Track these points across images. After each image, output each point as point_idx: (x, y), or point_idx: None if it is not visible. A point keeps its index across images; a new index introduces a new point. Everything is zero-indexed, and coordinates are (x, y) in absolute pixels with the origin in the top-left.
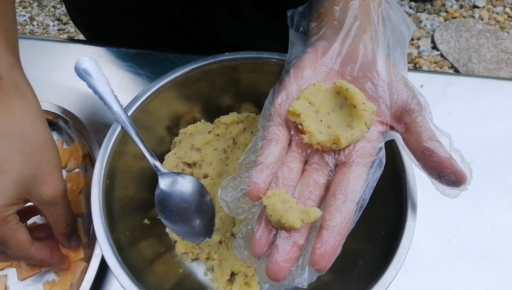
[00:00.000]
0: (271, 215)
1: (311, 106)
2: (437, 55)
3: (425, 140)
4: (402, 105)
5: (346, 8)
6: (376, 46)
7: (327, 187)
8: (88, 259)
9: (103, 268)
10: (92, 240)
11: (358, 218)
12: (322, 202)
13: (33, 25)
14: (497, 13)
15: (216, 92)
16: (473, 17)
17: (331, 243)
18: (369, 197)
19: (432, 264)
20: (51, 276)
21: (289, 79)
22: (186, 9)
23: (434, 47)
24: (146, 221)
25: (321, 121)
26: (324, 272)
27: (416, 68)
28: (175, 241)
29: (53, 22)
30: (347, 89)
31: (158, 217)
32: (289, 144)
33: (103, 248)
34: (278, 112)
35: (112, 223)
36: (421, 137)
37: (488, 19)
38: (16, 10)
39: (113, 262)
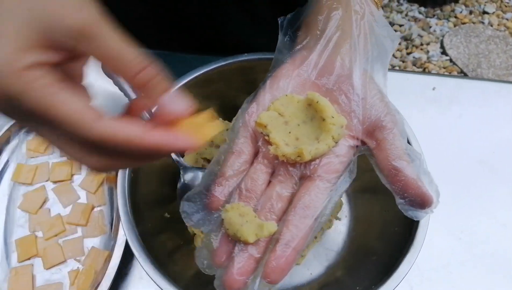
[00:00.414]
0: (227, 229)
1: (281, 117)
2: (446, 60)
3: (393, 159)
4: (375, 121)
5: (329, 18)
6: (354, 59)
7: (291, 200)
8: (112, 248)
9: (125, 259)
10: (115, 230)
11: (315, 233)
12: (284, 215)
13: None
14: (507, 19)
15: (232, 92)
16: (483, 23)
17: (284, 257)
18: (330, 213)
19: (443, 262)
20: (75, 265)
21: (263, 90)
22: (199, 9)
23: (444, 52)
24: (166, 214)
25: (290, 132)
26: (276, 285)
27: (425, 72)
28: (194, 234)
29: None
30: (317, 102)
31: (178, 211)
32: (256, 155)
33: (129, 236)
34: (247, 123)
35: (136, 214)
36: (390, 155)
37: (498, 25)
38: None
39: (138, 250)
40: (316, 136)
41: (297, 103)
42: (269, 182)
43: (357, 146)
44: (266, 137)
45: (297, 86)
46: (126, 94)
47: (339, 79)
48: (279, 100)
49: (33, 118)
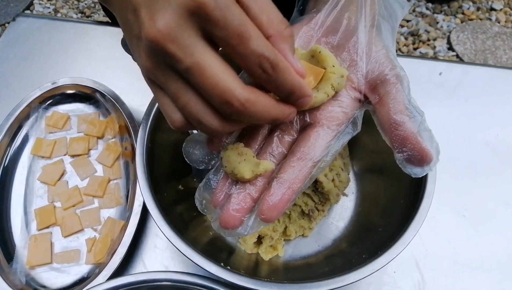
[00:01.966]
0: (225, 166)
1: None
2: (453, 56)
3: (395, 113)
4: (378, 75)
5: None
6: (360, 16)
7: (291, 147)
8: (127, 219)
9: (140, 229)
10: (130, 202)
11: (314, 177)
12: (283, 159)
13: (57, 17)
14: None
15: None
16: (490, 19)
17: (280, 195)
18: (331, 160)
19: (447, 238)
20: (92, 233)
21: None
22: None
23: (450, 48)
24: (180, 187)
25: None
26: (269, 224)
27: None
28: None
29: (76, 14)
30: (320, 52)
31: (190, 185)
32: None
33: (148, 201)
34: None
35: (153, 182)
36: (391, 109)
37: (505, 21)
38: (41, 2)
39: (156, 214)
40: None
41: (301, 56)
42: (271, 130)
43: (360, 100)
44: None
45: (303, 43)
46: None
47: (344, 36)
48: None
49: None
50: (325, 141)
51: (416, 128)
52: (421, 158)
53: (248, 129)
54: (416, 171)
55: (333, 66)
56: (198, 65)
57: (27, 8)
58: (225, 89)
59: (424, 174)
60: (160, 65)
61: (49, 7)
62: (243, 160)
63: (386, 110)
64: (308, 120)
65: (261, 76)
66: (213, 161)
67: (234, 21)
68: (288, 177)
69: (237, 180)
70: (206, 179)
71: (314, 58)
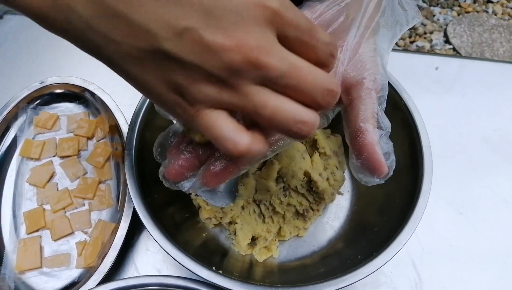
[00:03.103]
0: (183, 125)
1: None
2: (450, 49)
3: (361, 120)
4: (356, 76)
5: None
6: (357, 15)
7: None
8: (118, 221)
9: (131, 232)
10: (121, 204)
11: (267, 157)
12: None
13: None
14: (511, 8)
15: None
16: (487, 12)
17: (222, 166)
18: (286, 145)
19: (444, 235)
20: (83, 236)
21: None
22: None
23: (447, 41)
24: None
25: None
26: (207, 188)
27: None
28: (199, 207)
29: None
30: None
31: None
32: None
33: (137, 205)
34: None
35: (143, 185)
36: (359, 115)
37: (502, 14)
38: None
39: (146, 218)
40: None
41: None
42: None
43: None
44: None
45: None
46: None
47: (334, 32)
48: None
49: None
50: None
51: (376, 139)
52: (374, 169)
53: None
54: (366, 180)
55: None
56: (295, 67)
57: None
58: (325, 80)
59: (374, 184)
60: (239, 81)
61: None
62: None
63: (354, 115)
64: None
65: (332, 61)
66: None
67: (302, 18)
68: None
69: (191, 141)
70: (169, 130)
71: None
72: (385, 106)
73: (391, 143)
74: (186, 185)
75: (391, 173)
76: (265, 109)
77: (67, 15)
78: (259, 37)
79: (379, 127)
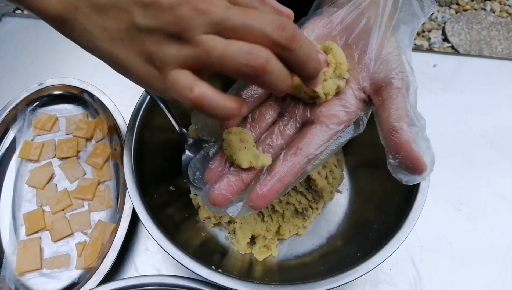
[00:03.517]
0: (225, 149)
1: None
2: (448, 47)
3: (394, 119)
4: (384, 77)
5: None
6: (377, 15)
7: (291, 140)
8: (118, 221)
9: (131, 232)
10: (120, 204)
11: (308, 173)
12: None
13: None
14: (509, 6)
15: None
16: (485, 9)
17: (269, 186)
18: (326, 158)
19: (443, 232)
20: (83, 237)
21: None
22: None
23: (445, 39)
24: (171, 187)
25: None
26: (256, 211)
27: None
28: (198, 207)
29: None
30: (331, 48)
31: (182, 185)
32: (270, 95)
33: (136, 206)
34: None
35: (143, 186)
36: (391, 114)
37: (500, 11)
38: None
39: (145, 218)
40: None
41: None
42: (275, 121)
43: (365, 100)
44: None
45: (319, 36)
46: None
47: (359, 35)
48: None
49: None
50: (321, 139)
51: (412, 136)
52: (413, 167)
53: (254, 114)
54: (407, 179)
55: (340, 64)
56: (241, 10)
57: (18, 8)
58: (274, 18)
59: (416, 183)
60: (192, 33)
61: None
62: (243, 147)
63: (386, 115)
64: (309, 115)
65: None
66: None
67: None
68: (280, 170)
69: (234, 164)
70: (205, 152)
71: (326, 53)
72: (416, 103)
73: (428, 139)
74: (232, 210)
75: (432, 169)
76: (214, 52)
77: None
78: None
79: (414, 125)
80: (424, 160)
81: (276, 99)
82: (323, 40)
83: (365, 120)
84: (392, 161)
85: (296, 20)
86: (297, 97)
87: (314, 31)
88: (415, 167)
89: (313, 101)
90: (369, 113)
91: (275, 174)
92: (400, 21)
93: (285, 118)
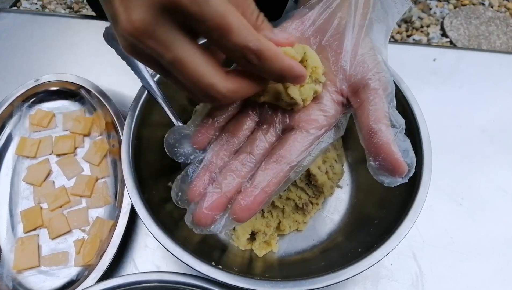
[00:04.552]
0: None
1: None
2: (447, 42)
3: (373, 120)
4: (361, 79)
5: None
6: (350, 15)
7: (272, 149)
8: (116, 218)
9: (129, 229)
10: (119, 201)
11: (291, 180)
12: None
13: (40, 12)
14: (508, 0)
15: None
16: (483, 4)
17: (253, 197)
18: (309, 164)
19: (444, 227)
20: (81, 234)
21: None
22: None
23: (444, 34)
24: (170, 184)
25: None
26: (241, 224)
27: None
28: None
29: (64, 10)
30: (305, 52)
31: None
32: (245, 104)
33: (135, 202)
34: None
35: (141, 182)
36: (370, 116)
37: (498, 6)
38: None
39: (144, 214)
40: None
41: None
42: (254, 129)
43: (343, 103)
44: None
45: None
46: (128, 63)
47: (332, 36)
48: None
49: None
50: (302, 145)
51: (391, 138)
52: (393, 169)
53: (230, 125)
54: (389, 181)
55: (316, 67)
56: (179, 60)
57: (14, 4)
58: (207, 85)
59: (396, 184)
60: (143, 56)
61: (36, 3)
62: None
63: (365, 117)
64: (288, 122)
65: (248, 66)
66: (192, 156)
67: (213, 13)
68: (262, 179)
69: (213, 180)
70: (185, 172)
71: (301, 59)
72: (395, 103)
73: (408, 140)
74: (216, 228)
75: (413, 170)
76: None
77: None
78: (150, 21)
79: (393, 126)
80: (403, 162)
81: (252, 108)
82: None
83: (345, 123)
84: (372, 163)
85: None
86: (274, 104)
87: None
88: (396, 169)
89: (291, 108)
90: (348, 115)
91: (258, 184)
92: (374, 20)
93: (265, 126)
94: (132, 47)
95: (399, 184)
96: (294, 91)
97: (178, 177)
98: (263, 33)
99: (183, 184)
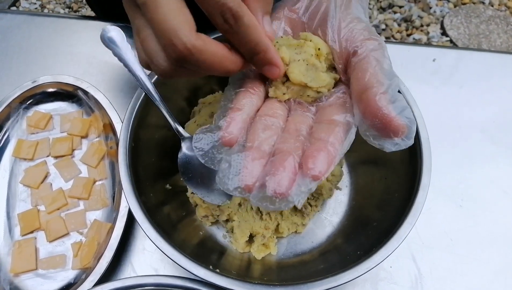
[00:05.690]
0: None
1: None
2: (447, 41)
3: (361, 84)
4: (350, 50)
5: None
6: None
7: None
8: (114, 221)
9: (127, 232)
10: (116, 203)
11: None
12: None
13: (37, 12)
14: None
15: None
16: (483, 3)
17: (324, 148)
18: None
19: (444, 229)
20: (78, 237)
21: None
22: None
23: (444, 33)
24: (168, 186)
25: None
26: (318, 183)
27: None
28: (196, 205)
29: (63, 10)
30: (310, 40)
31: (179, 183)
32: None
33: (132, 205)
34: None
35: (138, 185)
36: (359, 80)
37: (499, 5)
38: None
39: (141, 218)
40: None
41: (289, 44)
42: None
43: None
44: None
45: (288, 26)
46: (125, 64)
47: (321, 20)
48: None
49: None
50: (341, 134)
51: (381, 91)
52: (385, 126)
53: (266, 109)
54: (388, 145)
55: (328, 53)
56: (153, 1)
57: (13, 4)
58: (171, 29)
59: (399, 149)
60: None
61: (35, 3)
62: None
63: (356, 83)
64: (317, 113)
65: (223, 26)
66: (216, 160)
67: None
68: (325, 137)
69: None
70: (233, 160)
71: (300, 46)
72: (388, 60)
73: (401, 97)
74: (296, 193)
75: (414, 128)
76: (138, 37)
77: None
78: None
79: (382, 84)
80: (395, 116)
81: (279, 101)
82: (293, 30)
83: None
84: (364, 125)
85: None
86: (300, 101)
87: (282, 23)
88: (386, 126)
89: (315, 103)
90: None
91: (322, 139)
92: None
93: (299, 110)
94: None
95: (404, 148)
96: (317, 81)
97: (223, 166)
98: (256, 4)
99: (231, 172)
